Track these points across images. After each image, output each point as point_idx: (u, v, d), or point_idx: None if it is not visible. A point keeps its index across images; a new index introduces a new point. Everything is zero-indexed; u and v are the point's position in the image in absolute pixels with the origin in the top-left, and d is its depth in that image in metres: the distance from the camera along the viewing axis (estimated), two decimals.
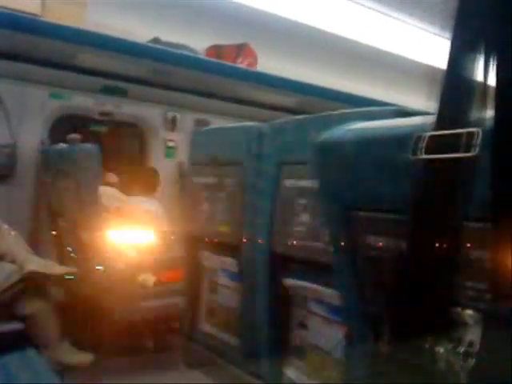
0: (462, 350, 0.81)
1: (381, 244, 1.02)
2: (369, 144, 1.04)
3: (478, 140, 0.75)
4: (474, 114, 0.78)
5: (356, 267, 1.12)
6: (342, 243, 1.15)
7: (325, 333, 1.63)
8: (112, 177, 3.96)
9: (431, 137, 0.83)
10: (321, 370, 1.65)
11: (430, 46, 4.91)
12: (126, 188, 4.08)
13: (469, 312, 0.82)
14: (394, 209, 0.96)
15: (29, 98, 3.70)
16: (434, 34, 4.88)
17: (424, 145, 0.83)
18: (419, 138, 0.84)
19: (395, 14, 4.71)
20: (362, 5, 4.51)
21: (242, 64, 4.42)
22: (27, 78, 3.64)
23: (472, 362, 0.79)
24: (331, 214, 1.18)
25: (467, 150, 0.76)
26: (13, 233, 3.12)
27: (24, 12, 3.23)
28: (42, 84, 3.71)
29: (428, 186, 0.83)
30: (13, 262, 2.93)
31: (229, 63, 4.27)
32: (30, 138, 3.71)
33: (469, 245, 0.81)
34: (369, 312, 1.09)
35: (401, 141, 0.90)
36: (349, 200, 1.10)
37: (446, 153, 0.79)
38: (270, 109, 4.40)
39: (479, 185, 0.76)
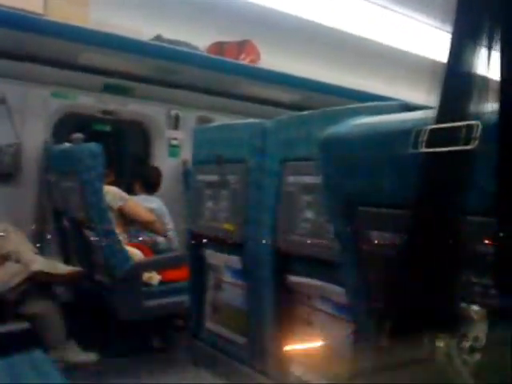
0: (467, 345, 0.81)
1: (386, 240, 1.02)
2: (373, 139, 1.03)
3: (478, 133, 0.75)
4: (475, 107, 0.77)
5: (361, 263, 1.11)
6: (347, 239, 1.14)
7: (331, 330, 1.63)
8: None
9: (432, 130, 0.82)
10: (327, 367, 1.65)
11: (433, 40, 4.88)
12: (128, 187, 4.09)
13: (474, 307, 0.82)
14: (399, 204, 0.95)
15: (31, 98, 3.70)
16: (437, 27, 4.86)
17: (425, 138, 0.83)
18: (419, 131, 0.84)
19: (398, 8, 4.69)
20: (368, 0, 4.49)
21: (244, 60, 4.41)
22: (30, 78, 3.65)
23: (477, 357, 0.79)
24: (336, 210, 1.17)
25: (467, 143, 0.76)
26: (17, 232, 3.13)
27: (26, 11, 3.22)
28: (44, 83, 3.72)
29: (429, 179, 0.83)
30: (18, 261, 2.94)
31: (232, 60, 4.26)
32: (34, 137, 3.72)
33: (473, 239, 0.81)
34: (375, 308, 1.09)
35: (405, 135, 0.89)
36: (354, 195, 1.09)
37: (447, 146, 0.79)
38: (274, 105, 4.40)
39: (482, 178, 0.75)
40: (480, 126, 0.75)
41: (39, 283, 2.90)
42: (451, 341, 0.81)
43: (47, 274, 2.90)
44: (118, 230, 3.39)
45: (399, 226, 0.94)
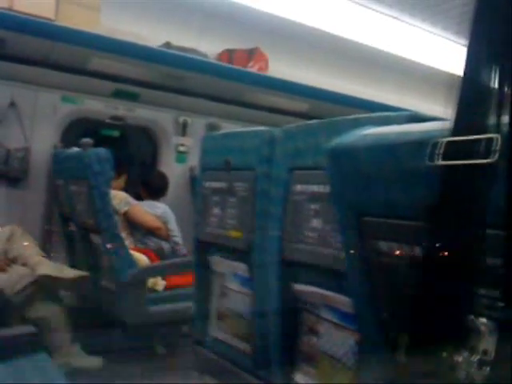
0: (476, 358, 0.80)
1: (394, 251, 1.01)
2: (382, 149, 1.03)
3: (498, 146, 0.74)
4: (493, 120, 0.76)
5: (369, 274, 1.11)
6: (355, 249, 1.14)
7: (336, 339, 1.62)
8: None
9: (449, 142, 0.81)
10: (331, 377, 1.64)
11: (442, 50, 4.89)
12: (136, 192, 4.10)
13: (483, 320, 0.81)
14: (407, 215, 0.95)
15: (41, 102, 3.73)
16: (447, 38, 4.86)
17: (441, 151, 0.82)
18: (436, 143, 0.83)
19: (408, 19, 4.70)
20: (374, 10, 4.50)
21: (253, 68, 4.43)
22: (40, 82, 3.67)
23: (486, 370, 0.78)
24: (344, 220, 1.17)
25: (486, 156, 0.75)
26: (25, 235, 3.14)
27: (38, 16, 3.26)
28: (54, 88, 3.74)
29: (445, 192, 0.82)
30: (24, 265, 2.95)
31: (240, 68, 4.28)
32: (43, 141, 3.74)
33: (484, 252, 0.80)
34: (381, 319, 1.08)
35: (416, 146, 0.89)
36: (362, 206, 1.09)
37: (464, 159, 0.78)
38: (282, 114, 4.40)
39: (497, 191, 0.75)
40: (500, 139, 0.74)
41: (45, 287, 2.91)
42: (459, 354, 0.80)
43: (53, 277, 2.91)
44: (123, 235, 3.40)
45: (407, 236, 0.94)
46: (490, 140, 0.74)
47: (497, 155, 0.73)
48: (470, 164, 0.76)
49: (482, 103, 0.77)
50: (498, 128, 0.75)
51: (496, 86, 0.76)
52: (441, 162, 0.81)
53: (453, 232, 0.80)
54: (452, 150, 0.80)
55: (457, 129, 0.80)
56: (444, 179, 0.81)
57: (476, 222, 0.78)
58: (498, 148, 0.74)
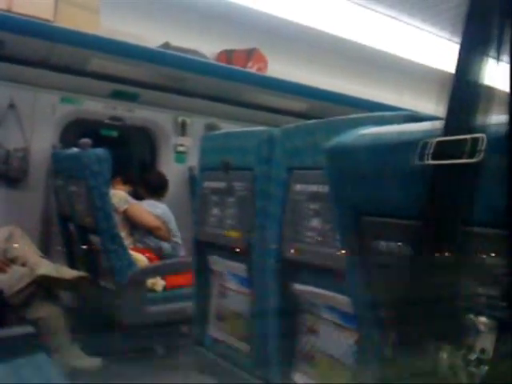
0: (473, 357, 0.80)
1: (393, 250, 1.02)
2: (380, 149, 1.04)
3: (483, 146, 0.75)
4: (482, 119, 0.77)
5: (368, 273, 1.11)
6: (354, 249, 1.14)
7: (335, 339, 1.62)
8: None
9: (438, 142, 0.82)
10: (330, 377, 1.64)
11: (440, 50, 4.89)
12: (136, 193, 4.10)
13: (481, 319, 0.82)
14: (406, 214, 0.95)
15: (40, 103, 3.73)
16: (445, 38, 4.87)
17: (431, 151, 0.83)
18: (426, 143, 0.84)
19: (406, 19, 4.71)
20: (373, 10, 4.51)
21: (252, 68, 4.43)
22: (39, 83, 3.67)
23: (484, 369, 0.79)
24: (343, 220, 1.17)
25: (471, 156, 0.76)
26: (24, 236, 3.14)
27: (36, 17, 3.25)
28: (53, 89, 3.74)
29: (435, 191, 0.83)
30: (24, 265, 2.95)
31: (239, 68, 4.28)
32: (42, 142, 3.74)
33: (482, 251, 0.81)
34: (381, 318, 1.08)
35: (411, 146, 0.90)
36: (361, 205, 1.09)
37: (452, 158, 0.79)
38: (281, 114, 4.41)
39: (487, 190, 0.76)
40: (485, 139, 0.75)
41: (44, 287, 2.91)
42: (457, 352, 0.80)
43: (52, 278, 2.90)
44: (122, 234, 3.40)
45: (405, 236, 0.94)
46: (476, 140, 0.76)
47: (482, 155, 0.74)
48: (457, 164, 0.78)
49: (471, 103, 0.78)
50: (484, 128, 0.76)
51: (485, 85, 0.77)
52: (430, 162, 0.82)
53: (440, 230, 0.81)
54: (441, 150, 0.81)
55: (447, 129, 0.81)
56: (434, 179, 0.82)
57: (462, 220, 0.79)
58: (483, 148, 0.75)
